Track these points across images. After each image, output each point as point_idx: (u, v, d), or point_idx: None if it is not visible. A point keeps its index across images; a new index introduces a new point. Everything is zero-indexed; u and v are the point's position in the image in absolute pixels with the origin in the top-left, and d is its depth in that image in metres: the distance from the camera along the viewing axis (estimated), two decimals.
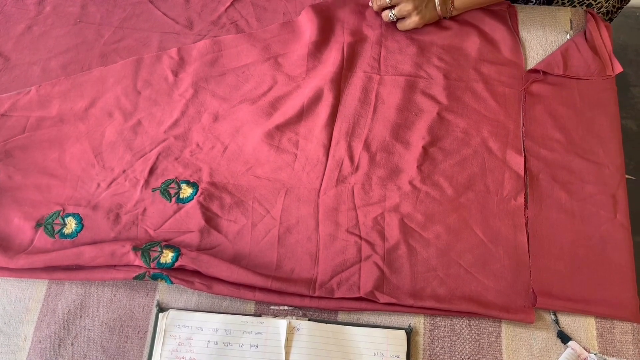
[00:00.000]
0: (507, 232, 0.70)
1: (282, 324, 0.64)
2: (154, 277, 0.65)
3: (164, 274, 0.65)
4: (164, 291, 0.68)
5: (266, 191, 0.73)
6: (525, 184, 0.73)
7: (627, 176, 0.73)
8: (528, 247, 0.69)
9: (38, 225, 0.70)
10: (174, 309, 0.66)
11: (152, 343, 0.64)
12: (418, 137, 0.76)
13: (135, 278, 0.65)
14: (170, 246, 0.67)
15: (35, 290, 0.68)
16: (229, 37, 0.85)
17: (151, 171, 0.74)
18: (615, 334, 0.65)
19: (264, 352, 0.63)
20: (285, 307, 0.66)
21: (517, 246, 0.69)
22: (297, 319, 0.65)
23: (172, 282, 0.65)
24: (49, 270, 0.67)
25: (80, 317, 0.66)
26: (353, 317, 0.66)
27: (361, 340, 0.64)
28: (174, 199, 0.72)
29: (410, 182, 0.73)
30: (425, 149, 0.75)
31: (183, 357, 0.63)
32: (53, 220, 0.70)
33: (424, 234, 0.69)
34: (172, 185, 0.73)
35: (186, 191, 0.72)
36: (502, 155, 0.75)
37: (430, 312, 0.65)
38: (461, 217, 0.70)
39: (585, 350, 0.63)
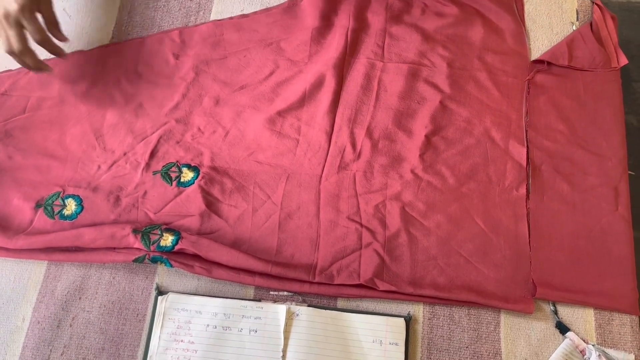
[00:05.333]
0: (508, 222, 0.70)
1: (281, 309, 0.64)
2: (154, 260, 0.65)
3: (164, 257, 0.65)
4: (163, 274, 0.67)
5: (267, 176, 0.72)
6: (528, 174, 0.73)
7: (629, 172, 0.73)
8: (529, 237, 0.69)
9: (38, 206, 0.70)
10: (173, 292, 0.66)
11: (151, 326, 0.64)
12: (421, 125, 0.76)
13: (135, 261, 0.65)
14: (170, 229, 0.67)
15: (34, 271, 0.67)
16: (231, 20, 0.84)
17: (152, 154, 0.73)
18: (613, 325, 0.65)
19: (263, 337, 0.63)
20: (285, 293, 0.66)
21: (518, 236, 0.69)
22: (296, 304, 0.65)
23: (171, 266, 0.65)
24: (48, 251, 0.66)
25: (79, 298, 0.66)
26: (352, 303, 0.66)
27: (360, 327, 0.64)
28: (174, 183, 0.71)
29: (412, 171, 0.72)
30: (427, 137, 0.74)
31: (182, 341, 0.63)
32: (53, 201, 0.70)
33: (425, 222, 0.69)
34: (173, 168, 0.72)
35: (187, 175, 0.72)
36: (505, 146, 0.74)
37: (429, 300, 0.65)
38: (462, 207, 0.70)
39: (584, 341, 0.64)
